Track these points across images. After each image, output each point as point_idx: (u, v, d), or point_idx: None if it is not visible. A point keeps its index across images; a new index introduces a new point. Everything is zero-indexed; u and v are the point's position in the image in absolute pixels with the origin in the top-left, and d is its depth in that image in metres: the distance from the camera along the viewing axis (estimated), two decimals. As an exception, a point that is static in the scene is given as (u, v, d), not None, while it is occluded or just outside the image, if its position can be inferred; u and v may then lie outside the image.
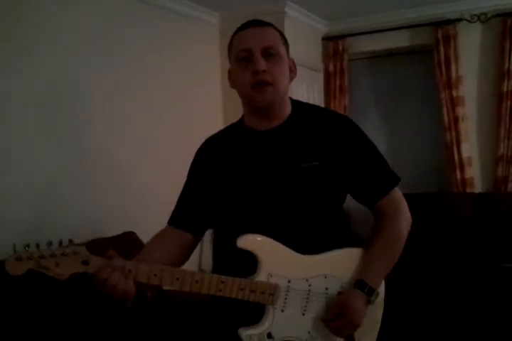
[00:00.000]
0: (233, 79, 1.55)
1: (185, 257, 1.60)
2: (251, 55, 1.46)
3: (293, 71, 1.57)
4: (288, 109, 1.57)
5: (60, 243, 1.26)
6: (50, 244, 1.24)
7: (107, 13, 3.23)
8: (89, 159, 3.07)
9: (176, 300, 2.91)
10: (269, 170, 1.50)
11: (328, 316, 1.44)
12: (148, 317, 2.72)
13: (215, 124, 3.88)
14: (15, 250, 1.21)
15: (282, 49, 1.51)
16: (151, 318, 2.73)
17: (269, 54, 1.46)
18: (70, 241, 1.27)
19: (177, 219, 1.63)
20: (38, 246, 1.23)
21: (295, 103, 1.61)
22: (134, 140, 3.38)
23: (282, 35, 1.55)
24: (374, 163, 1.57)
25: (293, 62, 1.57)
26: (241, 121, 1.63)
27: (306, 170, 1.47)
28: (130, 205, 3.30)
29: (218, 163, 1.59)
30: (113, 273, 1.28)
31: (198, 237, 1.64)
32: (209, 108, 4.16)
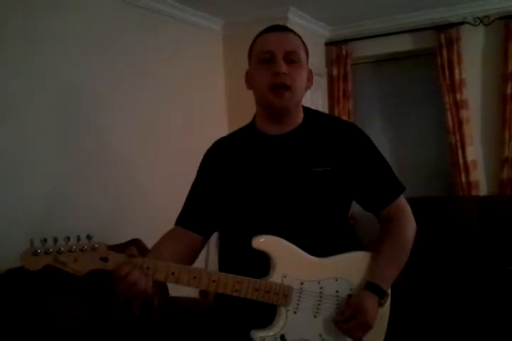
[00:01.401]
0: (251, 80, 1.57)
1: (193, 258, 1.60)
2: (273, 57, 1.48)
3: (310, 80, 1.59)
4: (300, 116, 1.60)
5: (78, 239, 1.24)
6: (67, 239, 1.23)
7: (111, 21, 3.27)
8: (97, 165, 3.10)
9: (182, 308, 2.90)
10: (282, 173, 1.52)
11: (340, 318, 1.45)
12: (155, 325, 2.72)
13: (220, 129, 3.92)
14: (32, 244, 1.19)
15: (303, 56, 1.54)
16: (157, 326, 2.73)
17: (290, 59, 1.49)
18: (88, 236, 1.25)
19: (185, 219, 1.64)
20: (55, 240, 1.21)
21: (307, 110, 1.64)
22: (133, 141, 3.39)
23: (304, 43, 1.58)
24: (381, 171, 1.61)
25: (310, 71, 1.60)
26: (252, 124, 1.64)
27: (318, 174, 1.50)
28: (136, 211, 3.31)
29: (228, 165, 1.60)
30: (134, 270, 1.27)
31: (205, 238, 1.64)
32: (213, 113, 4.19)
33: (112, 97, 3.24)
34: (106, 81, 3.20)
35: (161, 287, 2.87)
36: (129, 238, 2.97)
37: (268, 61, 1.49)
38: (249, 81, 1.58)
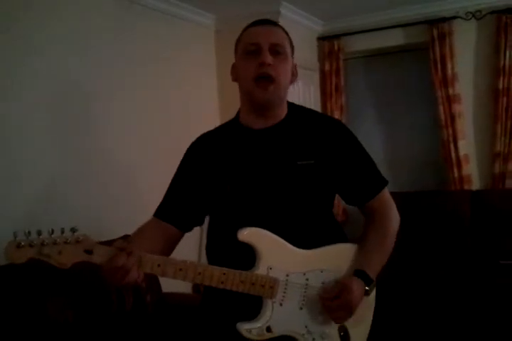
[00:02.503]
0: (237, 73, 1.59)
1: (169, 251, 1.60)
2: (259, 49, 1.51)
3: (294, 75, 1.61)
4: (284, 110, 1.62)
5: (62, 231, 1.24)
6: (51, 231, 1.22)
7: (104, 16, 3.25)
8: (90, 160, 3.10)
9: (175, 304, 2.90)
10: (266, 166, 1.54)
11: (326, 295, 1.46)
12: (148, 321, 2.72)
13: (212, 125, 3.89)
14: (15, 237, 1.18)
15: (289, 50, 1.57)
16: (150, 322, 2.73)
17: (276, 51, 1.52)
18: (73, 229, 1.25)
19: (163, 212, 1.64)
20: (39, 233, 1.20)
21: (291, 105, 1.65)
22: (132, 140, 3.40)
23: (290, 38, 1.60)
24: (364, 165, 1.64)
25: (295, 66, 1.62)
26: (236, 119, 1.66)
27: (302, 168, 1.51)
28: (134, 211, 3.29)
29: (212, 159, 1.61)
30: (129, 258, 1.27)
31: (182, 232, 1.65)
32: (205, 109, 4.17)
33: (107, 97, 3.24)
34: (101, 80, 3.20)
35: (153, 283, 2.87)
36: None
37: (254, 53, 1.51)
38: (235, 73, 1.60)
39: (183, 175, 1.67)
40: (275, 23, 1.60)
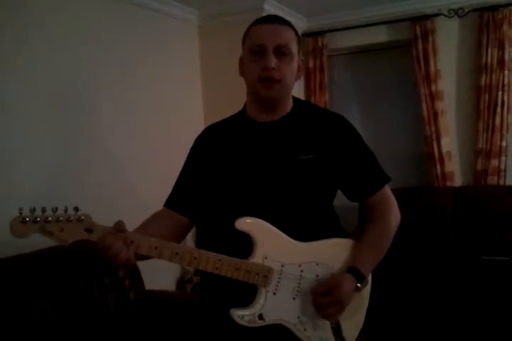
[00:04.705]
0: (244, 69, 1.60)
1: (179, 240, 1.62)
2: (264, 51, 1.52)
3: (300, 70, 1.62)
4: (290, 105, 1.65)
5: (66, 210, 1.29)
6: (55, 209, 1.27)
7: (85, 13, 3.23)
8: (89, 158, 3.18)
9: (159, 301, 2.89)
10: (268, 160, 1.56)
11: (317, 290, 1.48)
12: (131, 319, 2.71)
13: (196, 122, 3.90)
14: (21, 213, 1.23)
15: (295, 48, 1.57)
16: (133, 320, 2.71)
17: (281, 52, 1.52)
18: (76, 208, 1.30)
19: (173, 202, 1.67)
20: (43, 210, 1.25)
21: (296, 100, 1.69)
22: (116, 139, 3.39)
23: (297, 34, 1.60)
24: (366, 161, 1.65)
25: (302, 61, 1.64)
26: (243, 112, 1.68)
27: (302, 162, 1.54)
28: (123, 203, 3.32)
29: (217, 150, 1.64)
30: (116, 241, 1.31)
31: (192, 222, 1.67)
32: (189, 106, 4.16)
33: (88, 95, 3.24)
34: (81, 78, 3.20)
35: (136, 280, 2.85)
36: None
37: (259, 53, 1.52)
38: (242, 68, 1.62)
39: (190, 166, 1.70)
40: (282, 21, 1.58)
